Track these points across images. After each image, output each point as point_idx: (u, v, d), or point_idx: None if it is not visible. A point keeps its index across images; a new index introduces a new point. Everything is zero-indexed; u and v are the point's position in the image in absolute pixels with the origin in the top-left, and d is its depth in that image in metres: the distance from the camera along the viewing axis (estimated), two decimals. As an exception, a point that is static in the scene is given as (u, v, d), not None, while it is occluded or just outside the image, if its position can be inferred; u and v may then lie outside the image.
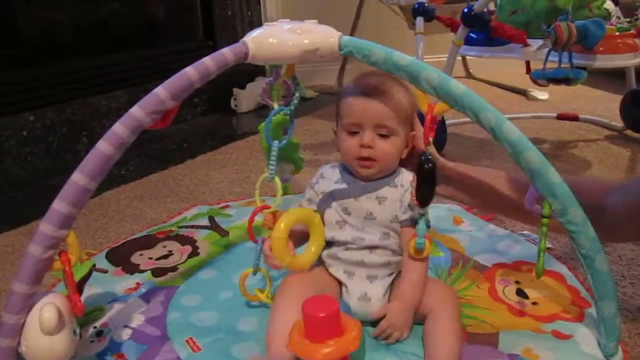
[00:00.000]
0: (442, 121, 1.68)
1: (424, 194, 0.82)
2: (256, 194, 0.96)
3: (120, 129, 0.71)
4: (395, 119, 0.85)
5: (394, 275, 0.88)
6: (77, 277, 0.80)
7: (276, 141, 0.99)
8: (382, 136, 0.85)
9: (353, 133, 0.86)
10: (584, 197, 0.81)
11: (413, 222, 0.85)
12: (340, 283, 0.88)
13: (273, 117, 1.09)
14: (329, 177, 0.92)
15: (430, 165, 0.81)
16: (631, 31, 1.56)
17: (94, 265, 0.91)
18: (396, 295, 0.85)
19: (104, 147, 0.71)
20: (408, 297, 0.83)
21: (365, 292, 0.86)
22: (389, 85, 0.86)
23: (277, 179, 0.96)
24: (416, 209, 0.84)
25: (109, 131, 0.72)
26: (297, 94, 0.97)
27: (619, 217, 0.80)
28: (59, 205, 0.70)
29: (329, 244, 0.89)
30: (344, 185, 0.90)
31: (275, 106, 1.00)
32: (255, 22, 2.66)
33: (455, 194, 0.96)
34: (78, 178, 0.70)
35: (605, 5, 1.63)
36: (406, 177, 0.89)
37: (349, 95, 0.87)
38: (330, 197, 0.90)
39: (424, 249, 0.83)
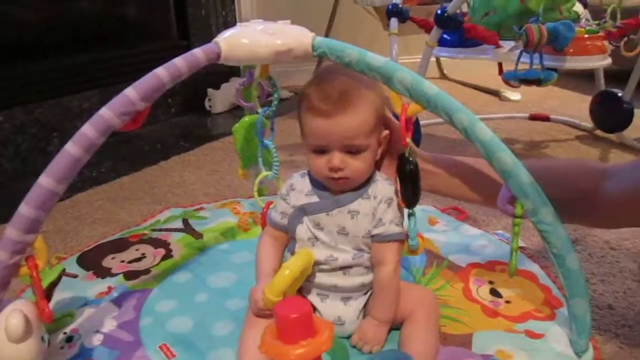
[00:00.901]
0: (417, 122, 1.69)
1: (409, 195, 0.82)
2: (255, 195, 1.01)
3: (89, 131, 0.70)
4: (364, 134, 0.79)
5: (368, 294, 0.85)
6: (46, 283, 0.78)
7: (269, 140, 1.00)
8: (352, 153, 0.80)
9: (320, 153, 0.81)
10: (579, 182, 0.81)
11: (385, 238, 0.82)
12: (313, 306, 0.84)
13: (247, 118, 1.09)
14: (300, 189, 0.86)
15: (412, 166, 0.81)
16: (600, 33, 1.59)
17: (64, 270, 0.90)
18: (369, 312, 0.83)
19: (72, 149, 0.69)
20: (380, 317, 0.82)
21: (339, 316, 0.84)
22: (352, 94, 0.78)
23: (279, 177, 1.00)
24: (388, 224, 0.82)
25: (77, 133, 0.70)
26: (276, 95, 0.97)
27: (616, 203, 0.79)
28: (25, 210, 0.68)
29: None
30: (315, 199, 0.85)
31: (259, 108, 1.00)
32: (230, 22, 2.65)
33: (436, 188, 0.93)
34: (45, 181, 0.69)
35: (574, 8, 1.65)
36: (381, 187, 0.84)
37: (310, 113, 0.80)
38: (302, 211, 0.85)
39: (419, 248, 0.84)
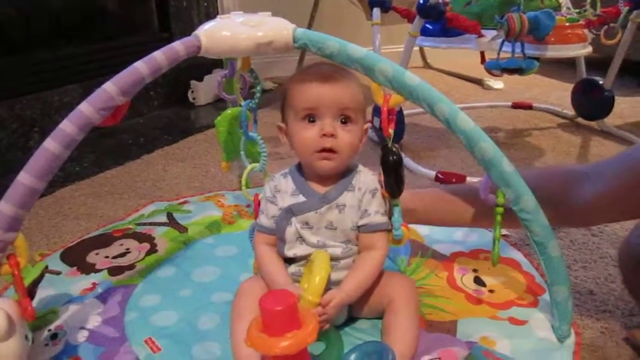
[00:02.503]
0: (400, 112, 1.69)
1: (392, 185, 0.83)
2: (243, 189, 0.97)
3: (68, 127, 0.69)
4: (356, 103, 0.81)
5: None
6: (28, 281, 0.77)
7: (254, 133, 0.99)
8: (343, 124, 0.81)
9: (310, 122, 0.81)
10: (552, 191, 0.83)
11: (371, 228, 0.83)
12: None
13: (230, 111, 1.09)
14: (284, 190, 0.85)
15: (394, 157, 0.81)
16: (580, 22, 1.60)
17: (46, 268, 0.89)
18: (341, 286, 0.81)
19: (52, 145, 0.68)
20: (350, 293, 0.80)
21: None
22: (343, 73, 0.82)
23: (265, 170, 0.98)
24: (373, 214, 0.83)
25: (56, 129, 0.69)
26: (258, 87, 0.96)
27: (591, 207, 0.81)
28: (5, 207, 0.67)
29: (292, 260, 0.85)
30: (301, 198, 0.84)
31: (241, 100, 0.99)
32: (212, 14, 2.62)
33: (419, 222, 0.98)
34: (24, 178, 0.68)
35: (555, -3, 1.66)
36: (364, 178, 0.84)
37: (302, 82, 0.82)
38: (289, 212, 0.84)
39: (403, 238, 0.85)
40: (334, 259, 0.83)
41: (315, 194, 0.84)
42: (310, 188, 0.84)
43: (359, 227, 0.83)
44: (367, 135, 0.87)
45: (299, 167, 0.87)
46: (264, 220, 0.87)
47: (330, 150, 0.80)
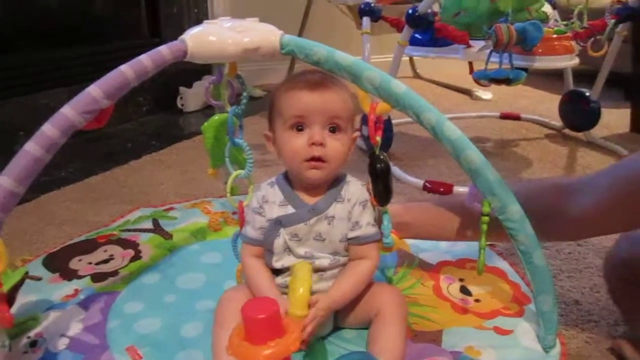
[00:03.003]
0: (388, 120, 1.69)
1: (381, 193, 0.82)
2: (228, 196, 0.94)
3: (49, 130, 0.68)
4: (345, 112, 0.80)
5: None
6: (7, 286, 0.76)
7: (240, 139, 0.98)
8: (332, 133, 0.80)
9: (298, 130, 0.80)
10: (544, 204, 0.83)
11: (363, 240, 0.82)
12: None
13: (217, 117, 1.08)
14: (272, 200, 0.83)
15: (382, 165, 0.81)
16: (568, 34, 1.61)
17: (27, 273, 0.87)
18: (328, 292, 0.80)
19: (33, 148, 0.67)
20: (337, 299, 0.79)
21: None
22: (333, 81, 0.81)
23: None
24: (365, 226, 0.82)
25: (38, 132, 0.68)
26: (245, 94, 0.95)
27: (584, 219, 0.81)
28: (-16, 211, 0.66)
29: (279, 271, 0.84)
30: (290, 209, 0.82)
31: (228, 107, 0.98)
32: (202, 20, 2.60)
33: (410, 236, 1.00)
34: (4, 181, 0.67)
35: (543, 9, 1.68)
36: (353, 189, 0.83)
37: (290, 89, 0.81)
38: (278, 224, 0.82)
39: (393, 245, 0.85)
40: (320, 270, 0.82)
41: (304, 205, 0.82)
42: (299, 198, 0.83)
43: (349, 239, 0.83)
44: (355, 144, 0.86)
45: (286, 176, 0.86)
46: (250, 231, 0.85)
47: (319, 159, 0.79)
